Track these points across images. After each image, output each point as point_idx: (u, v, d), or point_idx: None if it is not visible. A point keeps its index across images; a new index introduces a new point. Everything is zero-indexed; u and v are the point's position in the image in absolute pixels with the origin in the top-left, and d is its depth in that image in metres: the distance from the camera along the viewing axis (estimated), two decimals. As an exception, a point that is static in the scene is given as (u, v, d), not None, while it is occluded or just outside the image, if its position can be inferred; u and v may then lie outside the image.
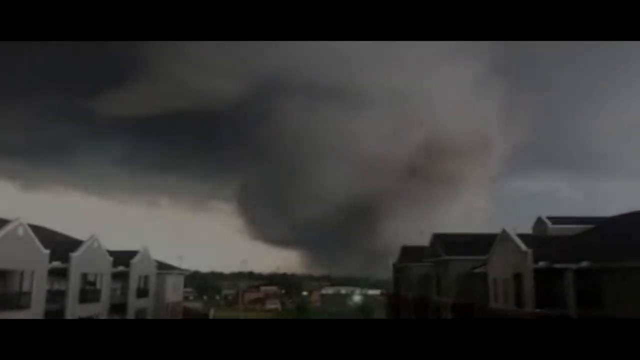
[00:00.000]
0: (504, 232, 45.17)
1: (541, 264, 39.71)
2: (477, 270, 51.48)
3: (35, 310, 40.56)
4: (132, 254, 61.01)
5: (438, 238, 60.60)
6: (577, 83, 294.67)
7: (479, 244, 50.71)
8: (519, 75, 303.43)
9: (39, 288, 41.44)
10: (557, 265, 39.39)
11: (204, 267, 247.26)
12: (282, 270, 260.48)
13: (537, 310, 38.93)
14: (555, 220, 52.94)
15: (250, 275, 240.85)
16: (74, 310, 47.27)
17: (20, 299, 39.52)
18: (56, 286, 48.24)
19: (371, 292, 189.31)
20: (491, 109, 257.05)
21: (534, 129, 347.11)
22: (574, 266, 38.67)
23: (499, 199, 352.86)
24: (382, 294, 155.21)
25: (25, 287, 40.28)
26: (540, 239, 47.09)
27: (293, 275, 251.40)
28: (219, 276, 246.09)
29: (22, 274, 39.98)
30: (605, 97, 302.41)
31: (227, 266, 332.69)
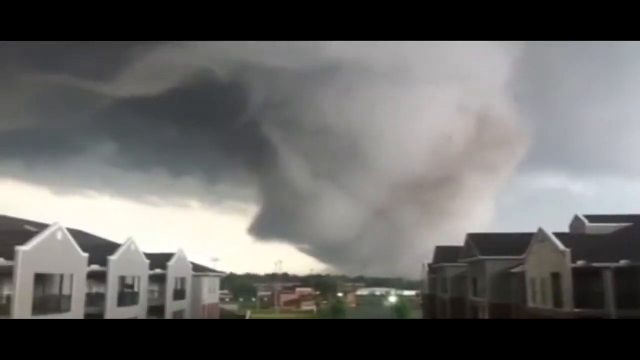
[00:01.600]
0: (541, 231, 44.70)
1: (579, 263, 39.24)
2: (514, 270, 51.01)
3: (76, 314, 41.22)
4: (169, 256, 61.62)
5: (473, 238, 60.17)
6: (592, 81, 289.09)
7: (515, 244, 50.21)
8: (538, 72, 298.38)
9: (78, 291, 42.10)
10: (596, 265, 38.95)
11: (239, 269, 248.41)
12: (316, 272, 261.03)
13: (576, 310, 38.47)
14: (593, 218, 52.28)
15: (285, 277, 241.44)
16: (113, 313, 47.87)
17: (60, 303, 40.21)
18: (95, 289, 48.97)
19: (406, 293, 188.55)
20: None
21: (545, 126, 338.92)
22: (612, 265, 38.23)
23: (512, 196, 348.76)
24: (417, 295, 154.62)
25: (65, 291, 40.97)
26: (578, 238, 46.49)
27: (327, 277, 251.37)
28: (254, 278, 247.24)
29: (62, 277, 40.67)
30: (618, 95, 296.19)
31: (262, 268, 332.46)
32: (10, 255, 34.90)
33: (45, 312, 37.43)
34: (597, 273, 38.97)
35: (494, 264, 54.32)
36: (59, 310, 39.48)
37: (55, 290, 40.26)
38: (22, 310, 34.93)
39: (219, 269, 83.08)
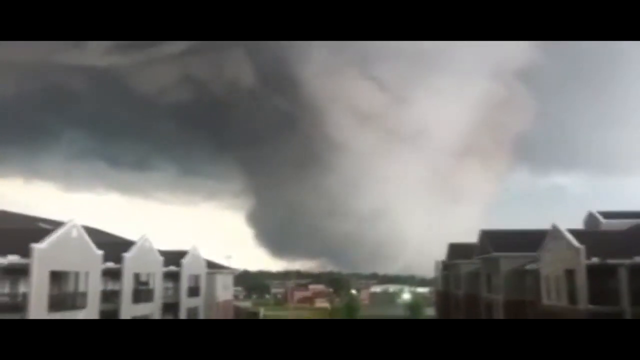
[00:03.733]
0: (555, 228, 44.53)
1: (594, 260, 39.04)
2: (528, 267, 50.84)
3: (91, 310, 41.53)
4: (182, 253, 61.89)
5: (487, 235, 59.98)
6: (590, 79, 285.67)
7: (529, 241, 50.04)
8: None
9: (93, 288, 42.40)
10: (610, 261, 38.72)
11: (253, 266, 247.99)
12: (329, 269, 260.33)
13: (590, 307, 38.29)
14: (608, 215, 51.97)
15: (298, 273, 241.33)
16: (128, 310, 48.20)
17: (76, 300, 40.50)
18: (110, 286, 49.26)
19: (420, 289, 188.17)
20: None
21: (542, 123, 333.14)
22: (627, 262, 38.00)
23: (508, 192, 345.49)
24: (430, 292, 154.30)
25: (81, 288, 41.26)
26: (593, 235, 46.25)
27: (340, 274, 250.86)
28: (268, 275, 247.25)
29: (77, 274, 40.93)
30: (616, 94, 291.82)
31: (276, 265, 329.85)
32: (26, 252, 35.20)
33: (61, 309, 37.71)
34: (611, 270, 38.75)
35: (508, 261, 54.15)
36: (74, 307, 39.75)
37: (70, 288, 40.52)
38: (37, 307, 35.23)
39: (232, 265, 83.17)
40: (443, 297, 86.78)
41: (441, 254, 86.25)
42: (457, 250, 76.51)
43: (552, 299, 44.61)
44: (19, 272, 36.33)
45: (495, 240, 56.74)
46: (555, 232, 44.42)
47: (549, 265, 45.59)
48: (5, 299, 37.48)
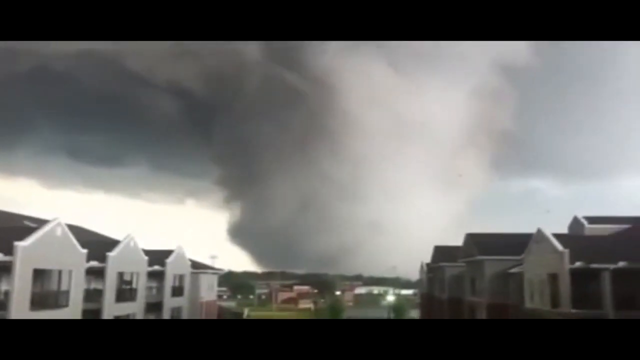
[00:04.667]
0: (539, 232, 44.74)
1: (577, 264, 39.27)
2: (512, 271, 51.06)
3: (73, 309, 41.24)
4: (167, 253, 61.65)
5: (472, 238, 60.19)
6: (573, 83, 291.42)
7: (513, 244, 50.27)
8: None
9: (76, 287, 42.10)
10: (594, 266, 38.96)
11: (238, 267, 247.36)
12: (313, 270, 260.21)
13: (573, 311, 38.50)
14: (592, 219, 52.26)
15: (283, 274, 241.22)
16: (111, 309, 47.93)
17: (58, 298, 40.22)
18: (93, 285, 48.98)
19: (404, 292, 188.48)
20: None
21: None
22: (611, 266, 38.25)
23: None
24: (415, 294, 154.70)
25: (64, 286, 40.99)
26: (577, 239, 46.52)
27: (325, 275, 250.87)
28: (252, 275, 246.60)
29: (60, 273, 40.68)
30: (592, 100, 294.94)
31: (260, 265, 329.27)
32: (9, 250, 34.94)
33: (43, 307, 37.44)
34: (595, 274, 38.99)
35: (493, 264, 54.33)
36: (56, 306, 39.47)
37: (53, 286, 40.26)
38: (19, 305, 34.96)
39: (217, 266, 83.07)
40: (427, 300, 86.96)
41: (427, 255, 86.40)
42: (442, 253, 76.61)
43: (536, 302, 44.82)
44: (2, 270, 36.09)
45: (481, 244, 56.95)
46: (539, 236, 44.63)
47: (532, 268, 45.81)
48: (-13, 297, 37.21)
